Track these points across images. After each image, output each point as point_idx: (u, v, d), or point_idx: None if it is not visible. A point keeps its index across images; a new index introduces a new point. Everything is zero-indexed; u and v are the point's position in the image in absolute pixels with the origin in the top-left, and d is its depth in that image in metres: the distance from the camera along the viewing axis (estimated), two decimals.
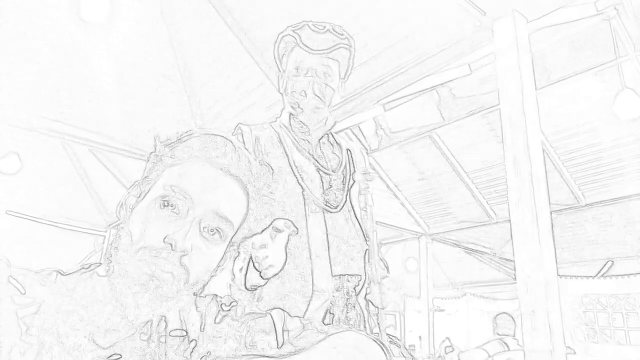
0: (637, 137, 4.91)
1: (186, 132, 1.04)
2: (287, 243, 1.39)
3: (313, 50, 1.61)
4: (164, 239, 0.90)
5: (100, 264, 0.95)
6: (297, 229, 1.38)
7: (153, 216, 0.93)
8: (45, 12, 4.16)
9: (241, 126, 1.62)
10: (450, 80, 4.01)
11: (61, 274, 0.93)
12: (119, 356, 0.88)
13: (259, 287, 1.45)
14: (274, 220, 1.33)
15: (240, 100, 4.91)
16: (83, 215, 5.47)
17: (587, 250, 6.65)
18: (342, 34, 1.65)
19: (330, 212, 1.59)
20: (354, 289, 1.59)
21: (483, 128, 5.44)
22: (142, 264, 0.89)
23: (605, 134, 5.01)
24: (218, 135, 1.02)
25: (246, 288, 1.42)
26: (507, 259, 7.76)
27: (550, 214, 2.98)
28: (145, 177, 1.02)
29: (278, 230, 1.34)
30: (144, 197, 0.98)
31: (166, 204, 0.94)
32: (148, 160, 1.03)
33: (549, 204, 3.00)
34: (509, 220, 2.99)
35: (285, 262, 1.39)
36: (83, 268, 0.95)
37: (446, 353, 6.82)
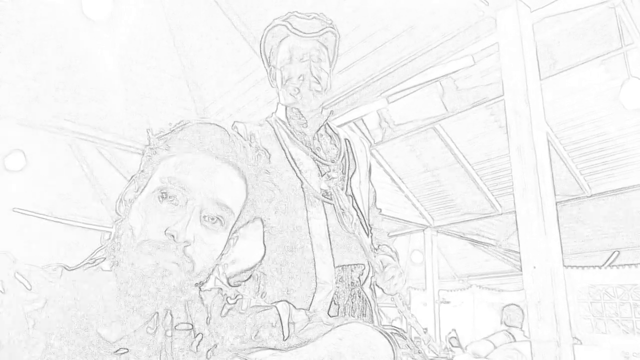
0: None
1: (179, 123, 1.03)
2: (263, 236, 1.38)
3: (305, 33, 1.63)
4: (165, 231, 0.90)
5: (105, 258, 0.95)
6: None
7: (152, 209, 0.93)
8: (50, 11, 4.16)
9: (236, 124, 1.63)
10: (453, 72, 3.99)
11: (66, 269, 0.93)
12: (125, 350, 0.89)
13: (241, 282, 1.45)
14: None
15: (243, 95, 4.90)
16: (89, 212, 5.49)
17: (593, 240, 6.63)
18: (327, 20, 1.69)
19: (330, 203, 1.59)
20: (359, 278, 1.59)
21: (487, 119, 5.41)
22: (145, 257, 0.89)
23: (610, 124, 4.98)
24: (211, 124, 1.02)
25: (229, 284, 1.42)
26: (512, 251, 7.75)
27: (556, 204, 2.97)
28: (142, 170, 1.01)
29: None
30: (142, 191, 0.98)
31: (164, 196, 0.94)
32: (143, 154, 1.03)
33: (554, 194, 2.98)
34: (514, 212, 2.98)
35: (263, 256, 1.39)
36: (88, 263, 0.96)
37: (452, 345, 6.84)
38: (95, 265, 0.95)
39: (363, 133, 5.86)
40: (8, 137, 4.75)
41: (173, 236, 0.90)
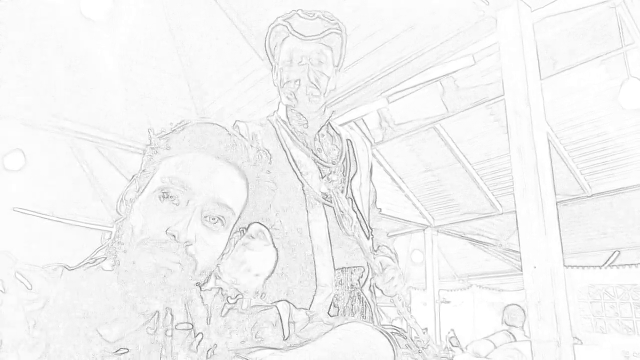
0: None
1: (180, 122, 1.04)
2: (272, 240, 1.35)
3: (305, 36, 1.58)
4: (166, 230, 0.90)
5: (105, 258, 0.95)
6: (270, 235, 1.31)
7: (153, 209, 0.93)
8: (50, 11, 4.16)
9: (238, 123, 1.60)
10: (454, 72, 3.99)
11: (67, 268, 0.93)
12: (125, 350, 0.89)
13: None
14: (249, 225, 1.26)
15: (243, 94, 4.90)
16: (89, 211, 5.49)
17: (593, 240, 6.63)
18: (332, 20, 1.62)
19: (331, 206, 1.58)
20: (358, 280, 1.59)
21: (487, 119, 5.41)
22: (147, 255, 0.89)
23: (610, 124, 4.98)
24: (212, 124, 1.02)
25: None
26: (512, 250, 7.75)
27: (556, 204, 2.97)
28: (143, 170, 1.02)
29: (252, 237, 1.28)
30: (143, 190, 0.98)
31: (165, 196, 0.94)
32: (144, 154, 1.03)
33: (555, 194, 2.98)
34: (515, 211, 2.98)
35: (277, 259, 1.37)
36: (88, 263, 0.96)
37: (452, 345, 6.84)
38: (96, 265, 0.95)
39: (363, 133, 5.86)
40: (8, 136, 4.75)
41: (174, 236, 0.90)
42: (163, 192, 0.94)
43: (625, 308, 5.95)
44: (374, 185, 1.78)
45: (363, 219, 1.65)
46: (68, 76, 4.47)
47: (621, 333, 5.87)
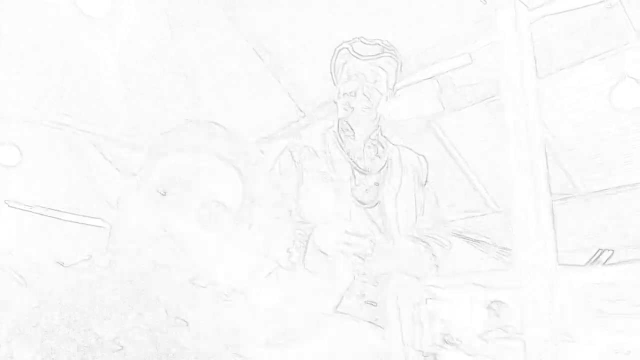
0: (639, 126, 4.88)
1: (180, 122, 1.05)
2: None
3: (362, 55, 1.96)
4: (165, 228, 0.91)
5: (101, 255, 0.96)
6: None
7: (152, 206, 0.94)
8: (49, 10, 4.16)
9: (291, 144, 1.85)
10: (450, 70, 4.00)
11: (62, 265, 0.94)
12: (120, 347, 0.90)
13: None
14: None
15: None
16: (86, 208, 5.49)
17: (589, 239, 6.65)
18: (390, 47, 2.09)
19: (364, 207, 1.79)
20: (377, 280, 1.77)
21: (484, 118, 5.42)
22: (146, 253, 0.90)
23: (606, 123, 4.99)
24: (212, 124, 1.04)
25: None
26: (507, 248, 7.75)
27: (552, 203, 2.99)
28: (143, 168, 1.03)
29: None
30: (142, 188, 0.99)
31: (164, 194, 0.95)
32: (144, 152, 1.05)
33: (550, 193, 3.00)
34: (510, 210, 2.99)
35: None
36: (84, 260, 0.97)
37: (447, 342, 6.87)
38: (91, 262, 0.96)
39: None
40: (8, 134, 4.75)
41: (173, 234, 0.91)
42: (162, 190, 0.95)
43: (621, 307, 5.97)
44: (426, 198, 2.09)
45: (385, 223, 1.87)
46: (68, 76, 4.47)
47: (616, 332, 5.89)
